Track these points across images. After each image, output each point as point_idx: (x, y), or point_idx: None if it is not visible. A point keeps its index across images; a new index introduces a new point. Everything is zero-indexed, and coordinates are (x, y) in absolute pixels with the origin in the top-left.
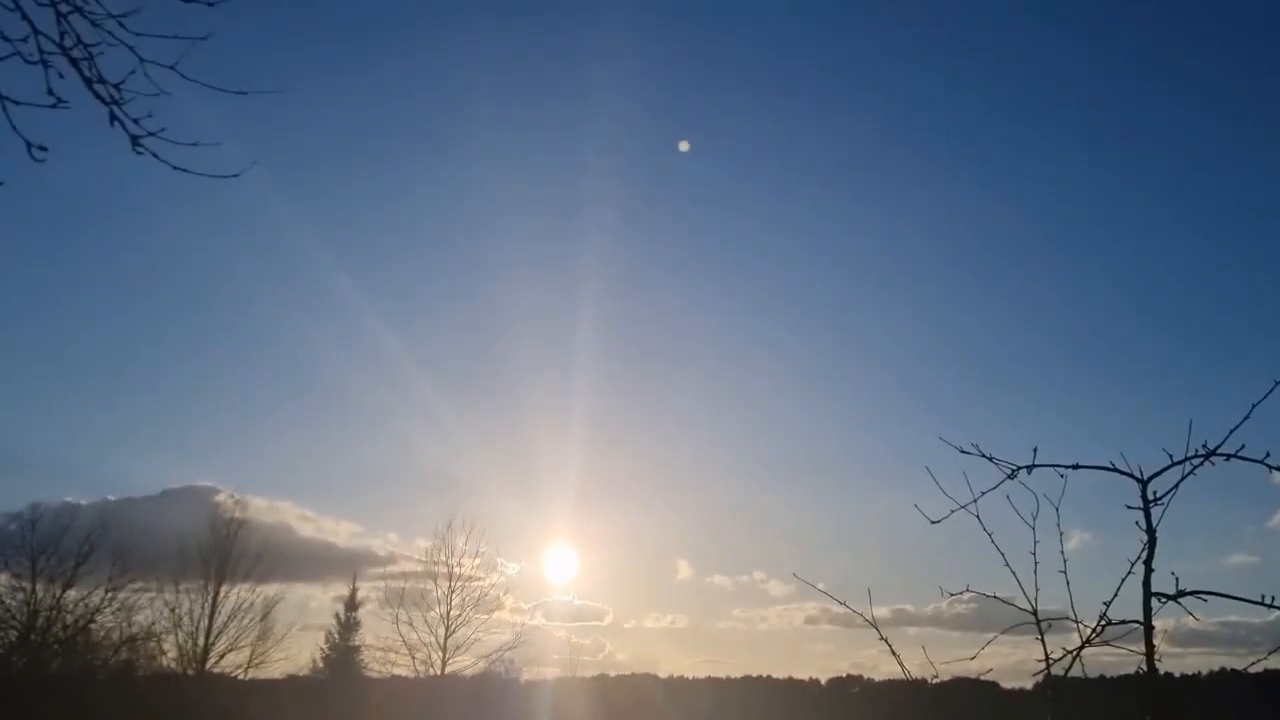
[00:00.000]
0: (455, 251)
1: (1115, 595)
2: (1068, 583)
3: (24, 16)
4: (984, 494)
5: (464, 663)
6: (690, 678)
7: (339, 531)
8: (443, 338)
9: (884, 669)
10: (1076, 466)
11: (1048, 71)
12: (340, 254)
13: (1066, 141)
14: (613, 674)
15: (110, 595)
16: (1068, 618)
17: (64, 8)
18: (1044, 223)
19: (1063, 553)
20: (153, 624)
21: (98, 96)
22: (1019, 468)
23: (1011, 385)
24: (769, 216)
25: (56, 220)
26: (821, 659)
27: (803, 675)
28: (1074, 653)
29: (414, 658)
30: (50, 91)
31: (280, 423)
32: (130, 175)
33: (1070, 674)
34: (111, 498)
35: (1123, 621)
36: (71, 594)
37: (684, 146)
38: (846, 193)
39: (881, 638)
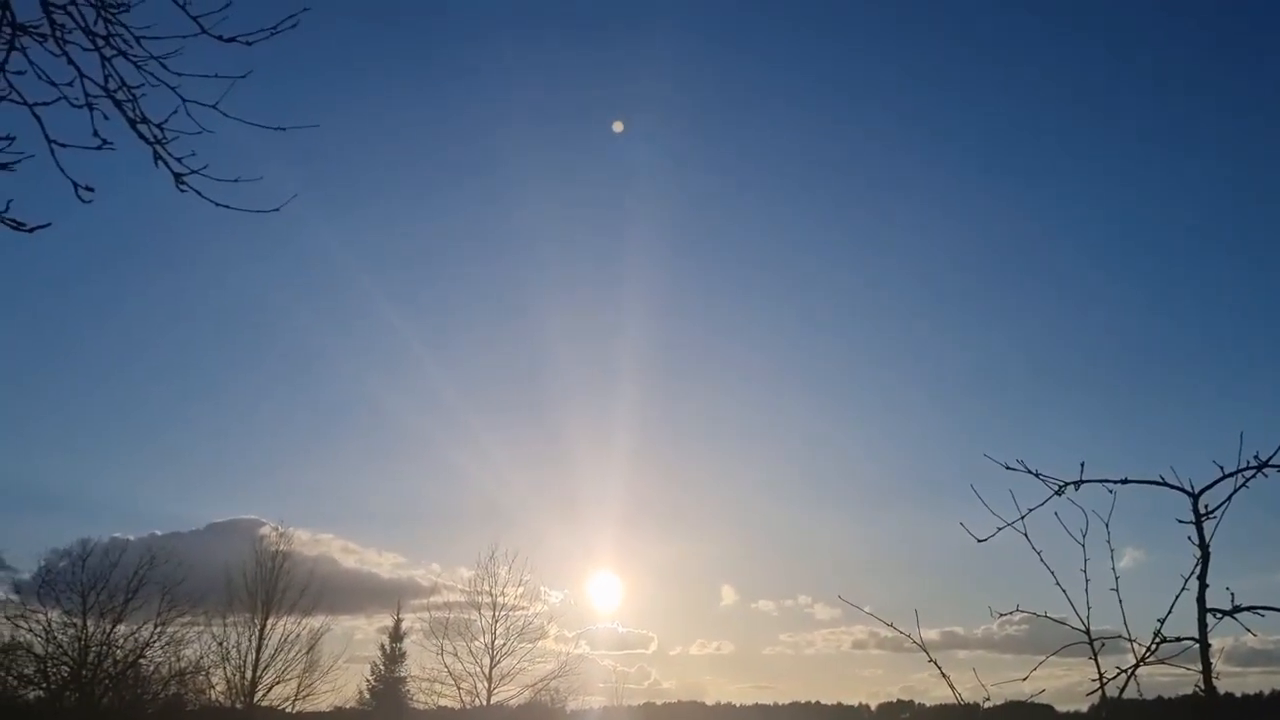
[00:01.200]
0: (498, 279)
1: (1169, 612)
2: (1120, 601)
3: (70, 61)
4: (1031, 511)
5: (509, 693)
6: (738, 705)
7: (382, 563)
8: (484, 366)
9: (935, 693)
10: (1125, 481)
11: (1088, 82)
12: (383, 283)
13: (1105, 155)
14: (659, 702)
15: (159, 630)
16: (1121, 636)
17: (108, 51)
18: (1084, 236)
19: (1114, 570)
20: (201, 658)
21: (141, 137)
22: (1066, 484)
23: (1056, 402)
24: (812, 243)
25: (103, 260)
26: (871, 683)
27: (853, 700)
28: (1129, 671)
29: (459, 688)
30: (96, 133)
31: (321, 454)
32: (174, 212)
33: (1126, 695)
34: (159, 532)
35: (1178, 639)
36: (121, 629)
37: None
38: (888, 219)
39: (930, 659)
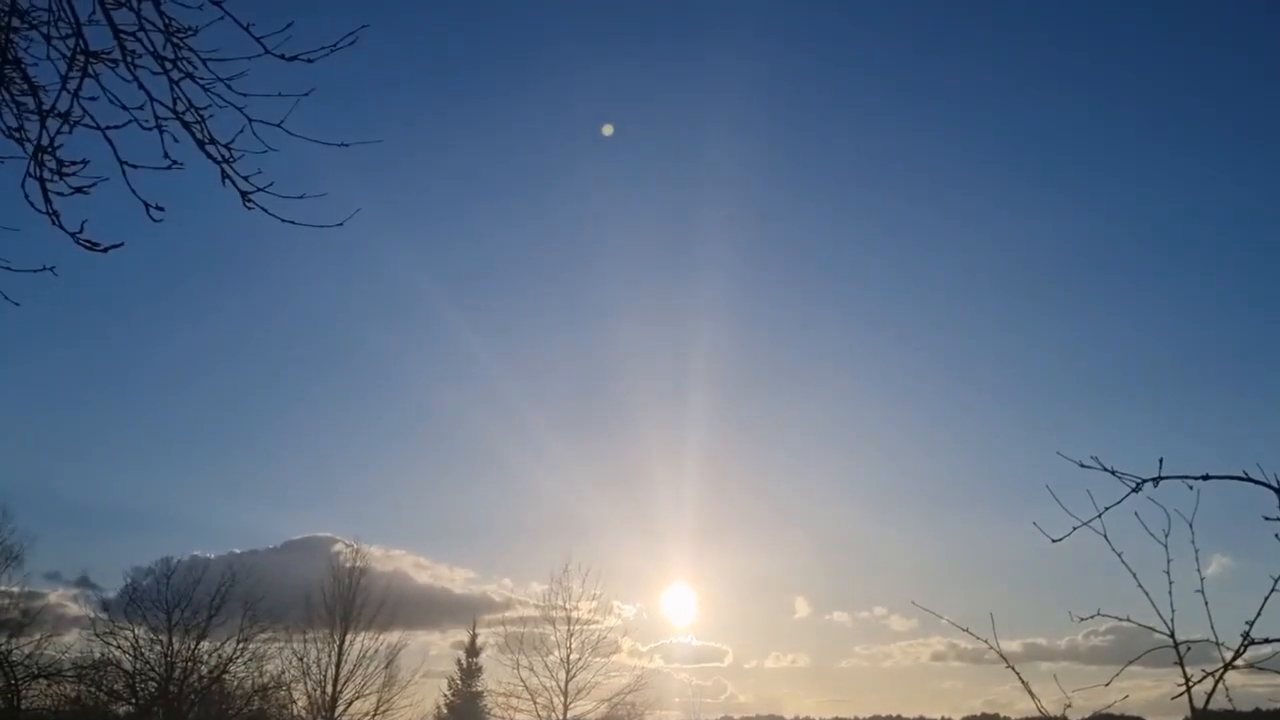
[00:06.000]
0: (568, 291)
1: (1259, 614)
2: (1205, 602)
3: (140, 85)
4: (1108, 509)
5: (585, 707)
6: (817, 719)
7: (454, 578)
8: (553, 379)
9: (1019, 706)
10: (1207, 477)
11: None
12: (452, 296)
13: (1179, 146)
14: (737, 716)
15: (242, 646)
16: (1208, 640)
17: (176, 75)
18: (1155, 229)
19: (1199, 570)
20: (282, 673)
21: (210, 157)
22: (1144, 480)
23: (1132, 399)
24: (880, 250)
25: (175, 278)
26: (952, 696)
27: (934, 714)
28: (1216, 674)
29: (536, 703)
30: (166, 154)
31: (391, 470)
32: (243, 229)
33: (1221, 705)
34: (237, 550)
35: (1266, 640)
36: (205, 645)
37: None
38: (956, 223)
39: (1010, 667)
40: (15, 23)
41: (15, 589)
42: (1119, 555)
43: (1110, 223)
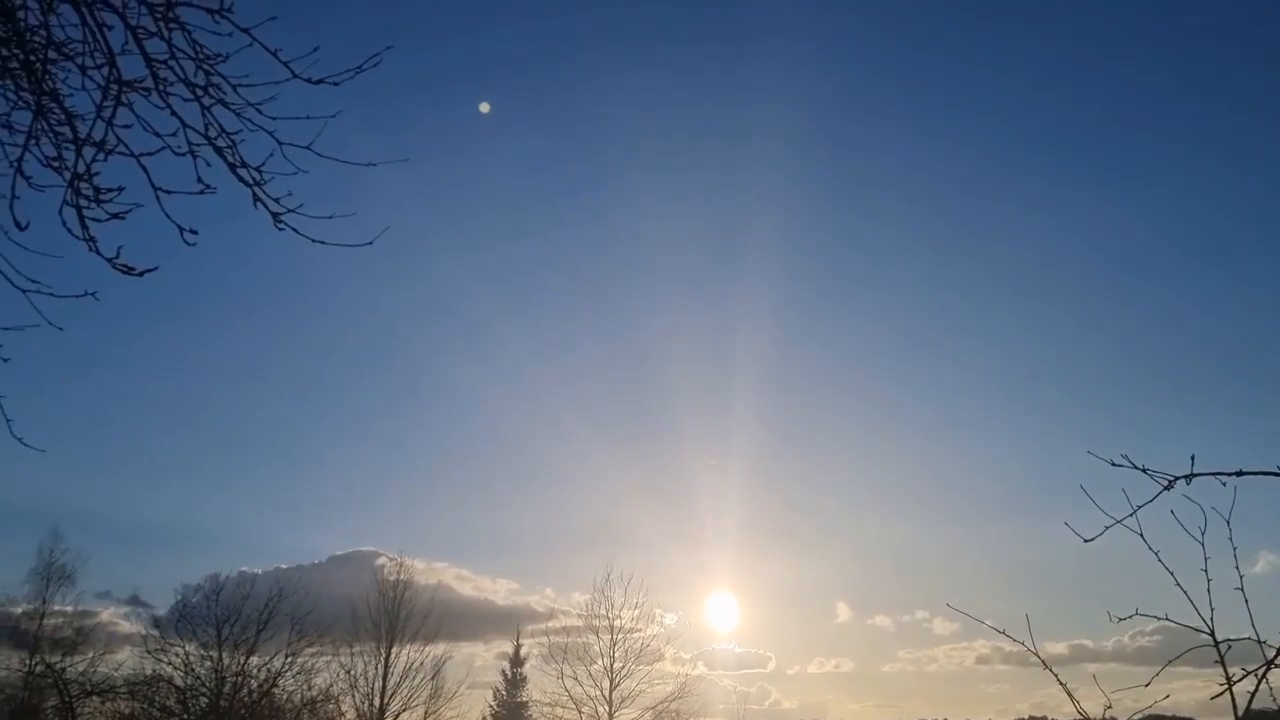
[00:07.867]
0: (611, 299)
1: None
2: (1245, 600)
3: (173, 113)
4: (1140, 508)
5: (630, 715)
6: None
7: (497, 589)
8: (596, 387)
9: (1068, 709)
10: (1240, 473)
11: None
12: (496, 306)
13: (1209, 144)
14: None
15: (290, 660)
16: (1249, 638)
17: (208, 101)
18: (1187, 226)
19: (1238, 568)
20: (330, 686)
21: (241, 180)
22: (1176, 478)
23: (1164, 398)
24: (918, 260)
25: (213, 299)
26: (999, 700)
27: (980, 718)
28: (1258, 673)
29: (581, 712)
30: (199, 179)
31: (432, 483)
32: (279, 244)
33: (1266, 705)
34: (284, 565)
35: None
36: (254, 660)
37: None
38: (990, 231)
39: (1047, 668)
40: (52, 54)
41: (68, 608)
42: (1155, 554)
43: (1140, 222)
